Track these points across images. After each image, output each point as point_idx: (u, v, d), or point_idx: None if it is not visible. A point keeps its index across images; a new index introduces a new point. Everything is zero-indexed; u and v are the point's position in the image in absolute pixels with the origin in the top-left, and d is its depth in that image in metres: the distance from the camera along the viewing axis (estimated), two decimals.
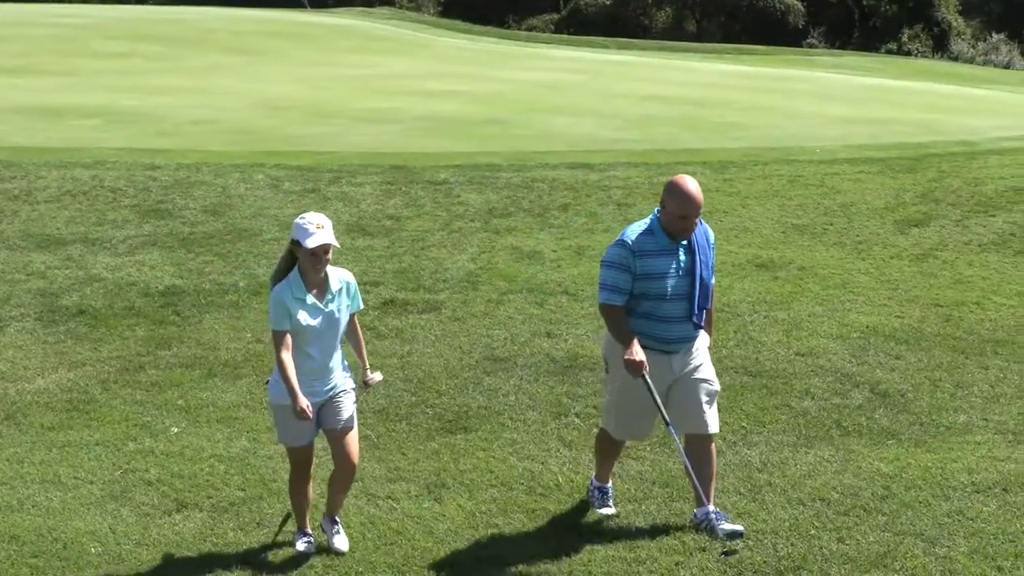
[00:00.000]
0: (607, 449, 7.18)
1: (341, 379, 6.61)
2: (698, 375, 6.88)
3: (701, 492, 6.73)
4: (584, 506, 7.08)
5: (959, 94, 29.06)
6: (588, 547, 6.57)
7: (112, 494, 7.19)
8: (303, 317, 6.36)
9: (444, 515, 6.93)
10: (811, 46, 56.60)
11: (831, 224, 13.79)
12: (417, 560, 6.40)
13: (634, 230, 6.82)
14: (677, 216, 6.67)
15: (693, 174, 15.80)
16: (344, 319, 6.54)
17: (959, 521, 6.85)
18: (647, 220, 6.87)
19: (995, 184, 15.53)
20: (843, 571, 6.30)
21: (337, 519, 6.70)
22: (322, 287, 6.45)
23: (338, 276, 6.54)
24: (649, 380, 6.60)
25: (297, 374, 6.33)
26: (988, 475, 7.47)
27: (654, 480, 7.46)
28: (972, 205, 14.58)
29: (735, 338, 10.11)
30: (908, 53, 55.81)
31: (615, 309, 6.74)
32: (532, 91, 25.70)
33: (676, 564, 6.40)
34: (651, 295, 6.73)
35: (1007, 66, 53.48)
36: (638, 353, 6.56)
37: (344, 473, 6.60)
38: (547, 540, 6.66)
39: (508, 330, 10.21)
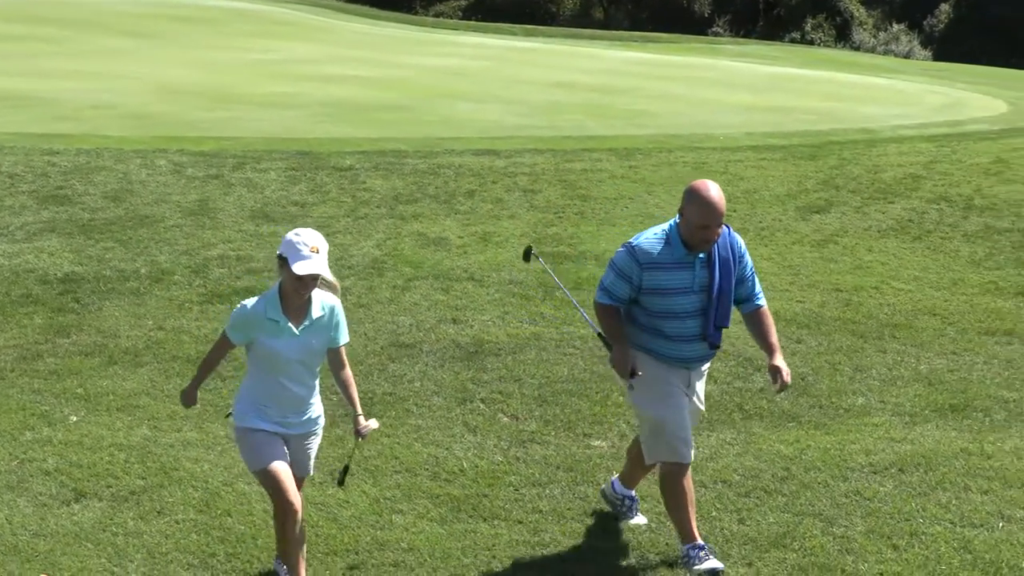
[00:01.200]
0: (681, 488, 6.25)
1: (314, 417, 6.01)
2: (697, 404, 6.48)
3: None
4: (488, 490, 7.09)
5: (860, 83, 29.48)
6: (492, 531, 6.59)
7: (8, 484, 7.06)
8: (273, 341, 5.73)
9: (348, 501, 6.90)
10: (716, 35, 57.08)
11: (734, 210, 13.92)
12: (321, 546, 6.37)
13: (648, 238, 6.21)
14: (697, 226, 6.04)
15: (598, 161, 16.10)
16: (321, 350, 5.88)
17: (856, 501, 6.98)
18: (665, 227, 6.24)
19: (894, 171, 15.80)
20: (743, 552, 6.39)
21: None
22: (301, 311, 5.78)
23: (322, 301, 5.85)
24: (634, 381, 6.19)
25: (270, 403, 5.82)
26: (885, 456, 7.62)
27: (558, 464, 7.49)
28: (872, 192, 14.81)
29: None
30: (811, 42, 56.49)
31: (607, 308, 6.27)
32: (438, 77, 25.62)
33: (577, 547, 6.44)
34: (658, 311, 6.19)
35: (907, 56, 54.38)
36: (628, 354, 6.16)
37: (285, 516, 5.89)
38: (451, 525, 6.67)
39: (414, 316, 10.19)
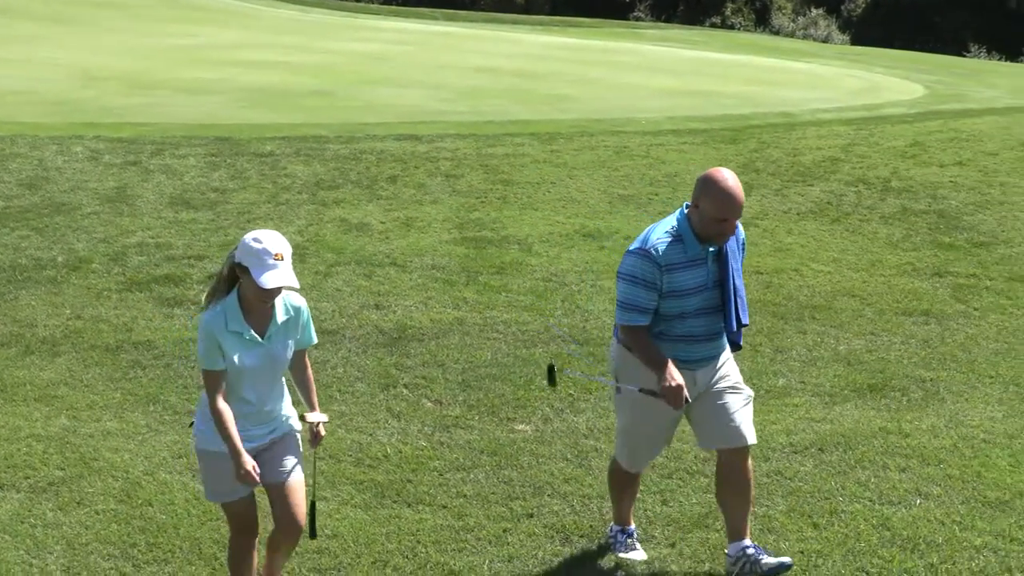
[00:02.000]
0: (624, 483, 6.20)
1: (283, 420, 5.48)
2: (725, 383, 5.93)
3: (736, 523, 5.95)
4: (412, 475, 7.08)
5: (779, 67, 29.72)
6: (417, 517, 6.58)
7: None
8: (238, 357, 5.16)
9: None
10: (637, 19, 57.30)
11: (656, 194, 14.00)
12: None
13: (659, 237, 5.65)
14: (714, 219, 5.54)
15: (520, 146, 16.11)
16: (288, 356, 5.36)
17: (777, 481, 7.05)
18: (672, 221, 5.72)
19: (812, 155, 15.96)
20: (666, 532, 6.43)
21: None
22: (264, 317, 5.24)
23: (286, 303, 5.33)
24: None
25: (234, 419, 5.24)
26: (805, 436, 7.70)
27: (482, 449, 7.50)
28: (791, 175, 14.95)
29: (563, 307, 10.21)
30: (731, 27, 56.89)
31: (641, 331, 5.69)
32: (359, 62, 25.48)
33: (504, 531, 6.45)
34: (669, 314, 5.73)
35: (825, 40, 54.89)
36: (676, 377, 5.58)
37: (288, 535, 5.50)
38: (375, 511, 6.65)
39: (336, 302, 10.13)
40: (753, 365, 9.06)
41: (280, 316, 5.28)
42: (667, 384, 5.55)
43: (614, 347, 6.04)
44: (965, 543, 6.33)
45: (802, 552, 6.21)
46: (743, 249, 5.98)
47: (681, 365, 5.71)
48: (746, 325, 5.92)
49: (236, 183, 13.71)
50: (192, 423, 5.53)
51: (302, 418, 5.53)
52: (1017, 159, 15.57)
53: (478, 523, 6.54)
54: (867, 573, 6.03)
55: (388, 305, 10.11)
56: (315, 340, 5.53)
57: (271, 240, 5.09)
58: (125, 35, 29.28)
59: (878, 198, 14.01)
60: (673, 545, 6.31)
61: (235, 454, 5.14)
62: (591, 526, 6.49)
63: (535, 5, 63.11)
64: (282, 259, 5.06)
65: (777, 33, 56.32)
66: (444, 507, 6.70)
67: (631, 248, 5.71)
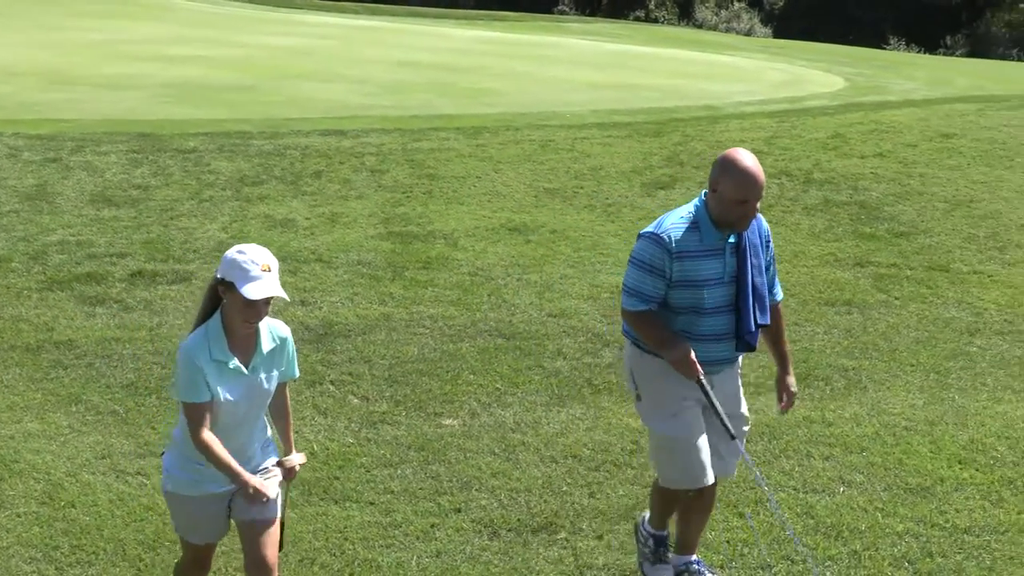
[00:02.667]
0: (669, 499, 5.80)
1: (260, 457, 5.10)
2: (733, 409, 5.62)
3: (689, 537, 5.86)
4: (339, 472, 7.05)
5: (703, 60, 29.93)
6: (344, 514, 6.55)
7: None
8: (220, 387, 4.78)
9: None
10: (562, 13, 57.43)
11: (581, 187, 14.04)
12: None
13: (674, 223, 5.35)
14: (733, 200, 5.23)
15: (446, 140, 16.10)
16: (272, 388, 4.99)
17: None
18: (690, 208, 5.41)
19: (736, 147, 16.06)
20: (594, 525, 6.46)
21: None
22: (249, 345, 4.87)
23: (272, 331, 4.97)
24: (706, 382, 5.35)
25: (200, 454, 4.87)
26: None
27: (409, 445, 7.48)
28: None
29: (489, 301, 10.21)
30: (655, 20, 57.26)
31: (642, 316, 5.40)
32: (282, 56, 25.31)
33: (432, 526, 6.45)
34: (684, 306, 5.39)
35: (748, 33, 55.40)
36: (687, 349, 5.28)
37: (258, 574, 5.05)
38: (302, 508, 6.61)
39: None
40: None
41: (265, 345, 4.91)
42: (675, 355, 5.27)
43: (628, 348, 5.71)
44: (887, 529, 6.42)
45: (728, 542, 6.27)
46: (768, 246, 5.61)
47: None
48: (765, 325, 5.56)
49: (159, 180, 13.56)
50: (163, 452, 5.17)
51: (280, 463, 5.16)
52: (935, 150, 15.80)
53: (405, 519, 6.53)
54: (792, 561, 6.09)
55: (314, 301, 10.05)
56: (297, 374, 5.16)
57: (256, 252, 4.77)
58: (43, 30, 28.86)
59: (800, 190, 14.15)
60: (600, 537, 6.34)
61: (236, 478, 4.80)
62: (519, 520, 6.50)
63: None
64: (268, 270, 4.73)
65: (700, 26, 56.73)
66: (371, 503, 6.68)
67: (643, 231, 5.42)
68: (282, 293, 4.75)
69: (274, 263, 4.78)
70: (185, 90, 19.64)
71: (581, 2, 62.67)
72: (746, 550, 6.19)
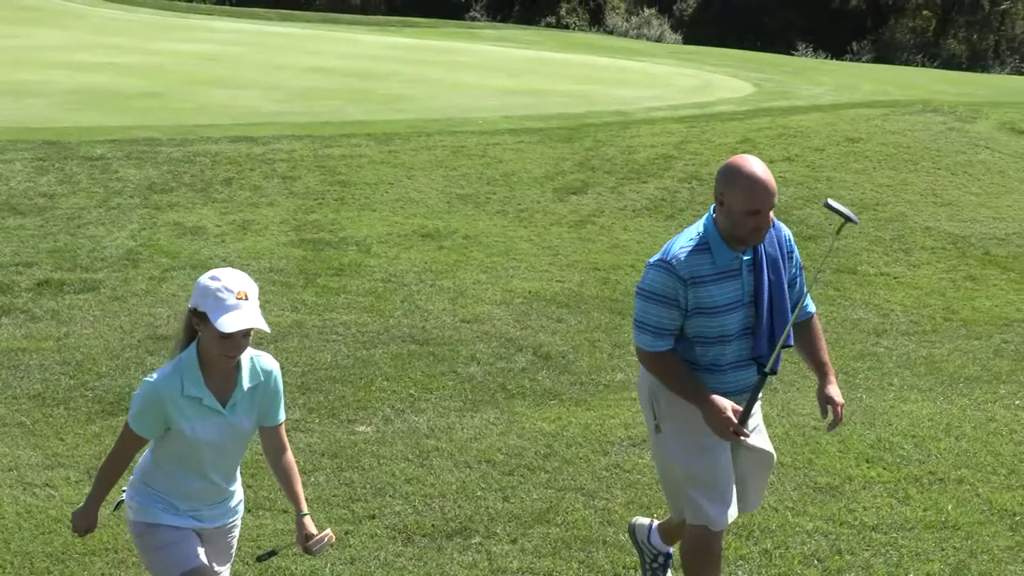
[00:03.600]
0: (708, 554, 5.16)
1: (234, 504, 4.73)
2: (759, 440, 5.21)
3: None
4: (252, 480, 6.99)
5: (614, 66, 30.11)
6: (257, 523, 6.50)
7: None
8: (194, 427, 4.37)
9: (106, 500, 6.68)
10: (474, 19, 57.50)
11: (494, 193, 14.07)
12: (78, 548, 6.17)
13: (682, 246, 4.88)
14: (744, 212, 4.79)
15: (358, 146, 16.04)
16: (253, 430, 4.57)
17: (616, 474, 7.15)
18: (697, 228, 4.95)
19: (647, 152, 16.20)
20: (508, 529, 6.48)
21: None
22: (228, 381, 4.44)
23: (255, 364, 4.53)
24: (746, 427, 4.89)
25: (180, 498, 4.52)
26: (643, 429, 7.80)
27: (323, 452, 7.45)
28: (626, 173, 15.16)
29: (402, 308, 10.19)
30: (566, 27, 57.47)
31: (661, 356, 4.92)
32: (191, 63, 25.05)
33: (346, 533, 6.42)
34: (701, 336, 4.93)
35: (658, 39, 55.80)
36: (724, 407, 4.81)
37: None
38: None
39: (171, 308, 9.96)
40: (592, 360, 9.18)
41: (246, 381, 4.46)
42: (713, 415, 4.80)
43: (644, 375, 5.20)
44: (797, 528, 6.51)
45: None
46: (791, 256, 5.15)
47: (721, 390, 4.96)
48: (789, 346, 5.07)
49: (65, 188, 13.36)
50: (120, 501, 4.75)
51: (305, 549, 4.63)
52: (842, 154, 16.03)
53: (320, 527, 6.48)
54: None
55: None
56: (283, 418, 4.66)
57: (231, 278, 4.32)
58: None
59: (710, 194, 14.25)
60: (515, 541, 6.36)
61: (94, 500, 4.57)
62: (433, 525, 6.50)
63: (371, 5, 62.94)
64: (245, 298, 4.28)
65: (611, 33, 57.08)
66: (284, 511, 6.63)
67: (651, 261, 4.94)
68: (262, 324, 4.28)
69: (252, 289, 4.34)
70: (92, 97, 19.37)
71: (493, 8, 62.77)
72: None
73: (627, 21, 61.96)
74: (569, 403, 8.36)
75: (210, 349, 4.34)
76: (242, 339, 4.31)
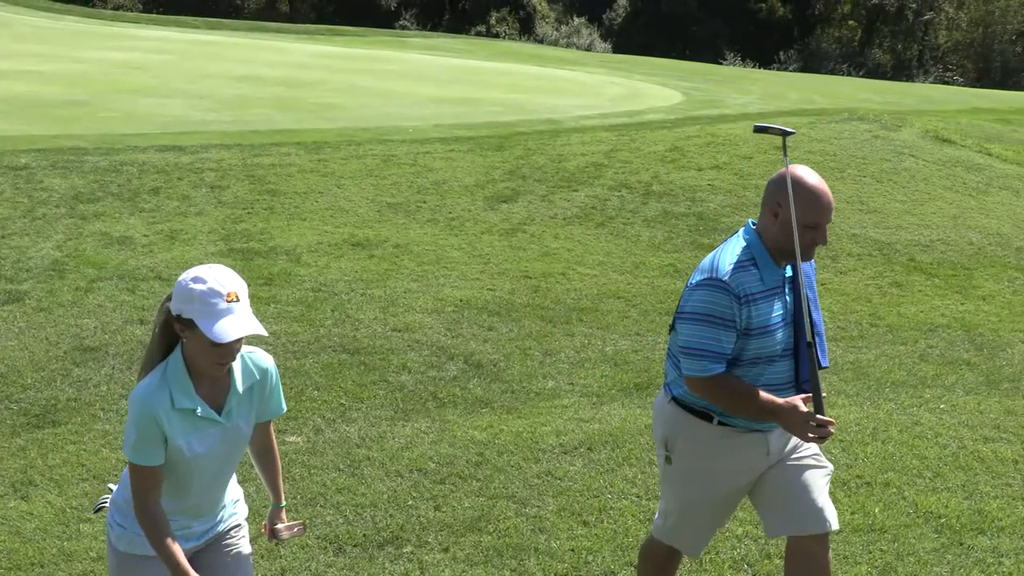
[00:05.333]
0: (661, 564, 5.16)
1: (231, 508, 4.34)
2: (805, 452, 4.84)
3: None
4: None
5: (545, 75, 30.21)
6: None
7: None
8: (190, 443, 3.94)
9: (32, 513, 6.61)
10: (403, 28, 57.44)
11: (424, 202, 14.06)
12: (3, 562, 6.08)
13: (732, 263, 4.55)
14: (805, 226, 4.54)
15: (287, 155, 15.95)
16: (250, 432, 4.18)
17: (548, 481, 7.16)
18: (740, 243, 4.67)
19: (577, 160, 16.27)
20: (440, 537, 6.46)
21: None
22: (221, 386, 4.02)
23: (248, 363, 4.13)
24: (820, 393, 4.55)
25: (171, 516, 4.02)
26: (574, 436, 7.84)
27: (252, 462, 7.37)
28: (556, 181, 15.22)
29: (333, 317, 10.15)
30: (496, 35, 57.58)
31: (718, 380, 4.52)
32: (117, 71, 24.81)
33: (276, 544, 6.36)
34: (762, 358, 4.60)
35: (588, 48, 56.09)
36: (799, 405, 4.47)
37: None
38: None
39: (98, 318, 9.84)
40: (523, 368, 9.19)
41: (240, 383, 4.05)
42: (789, 417, 4.45)
43: (663, 407, 4.88)
44: (727, 533, 6.54)
45: (573, 550, 6.32)
46: (814, 272, 4.92)
47: (750, 425, 4.70)
48: (824, 367, 4.78)
49: None
50: (99, 507, 4.39)
51: (274, 532, 4.48)
52: (770, 162, 16.19)
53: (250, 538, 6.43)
54: (635, 567, 6.16)
55: (153, 320, 9.85)
56: (284, 408, 4.30)
57: (218, 277, 3.84)
58: None
59: (640, 202, 14.38)
60: (447, 550, 6.34)
61: (176, 569, 3.88)
62: (364, 535, 6.47)
63: (300, 13, 62.68)
64: (237, 299, 3.82)
65: (541, 42, 57.26)
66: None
67: (696, 280, 4.59)
68: (260, 329, 3.83)
69: (242, 288, 3.89)
70: (16, 105, 19.12)
71: (423, 17, 62.75)
72: (591, 557, 6.25)
73: (557, 30, 62.22)
74: (500, 411, 8.37)
75: (199, 357, 3.89)
76: (237, 344, 3.88)
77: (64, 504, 6.72)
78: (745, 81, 32.78)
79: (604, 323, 10.39)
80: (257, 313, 10.26)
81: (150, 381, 3.93)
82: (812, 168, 4.73)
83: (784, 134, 4.90)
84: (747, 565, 6.23)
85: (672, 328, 4.73)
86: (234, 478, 4.35)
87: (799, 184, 4.54)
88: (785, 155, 4.83)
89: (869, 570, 6.19)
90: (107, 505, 4.30)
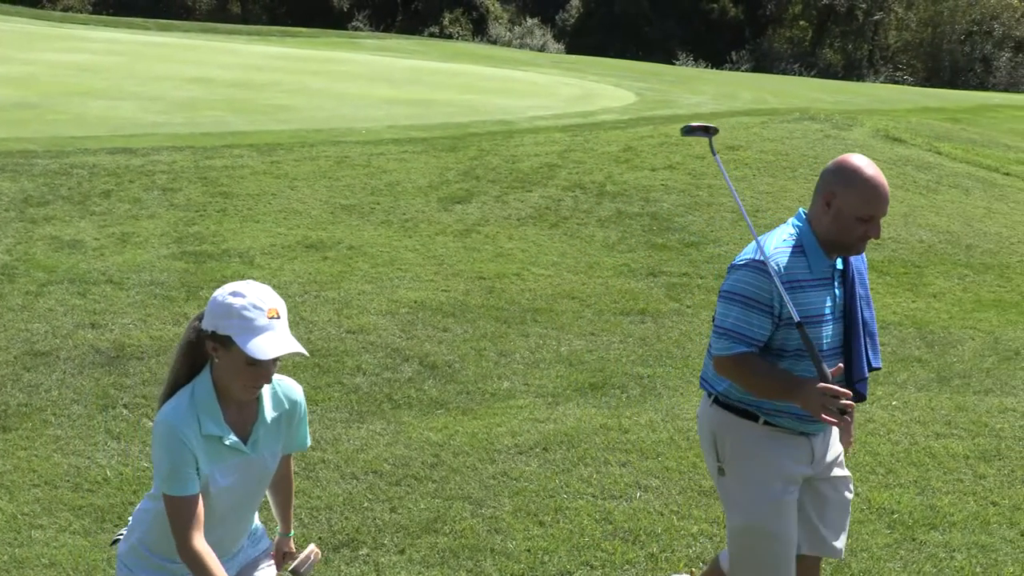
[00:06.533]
0: None
1: (251, 548, 4.14)
2: (840, 473, 4.77)
3: None
4: (134, 497, 6.87)
5: (498, 76, 30.22)
6: None
7: None
8: (214, 470, 3.70)
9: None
10: (356, 29, 57.32)
11: (378, 203, 14.02)
12: None
13: (779, 247, 4.43)
14: (855, 218, 4.36)
15: (240, 157, 15.86)
16: (275, 466, 3.94)
17: (504, 482, 7.16)
18: (790, 229, 4.54)
19: (531, 161, 16.28)
20: (396, 539, 6.45)
21: None
22: (248, 414, 3.79)
23: (278, 392, 3.89)
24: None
25: (173, 551, 3.74)
26: (530, 436, 7.85)
27: None
28: (510, 182, 15.22)
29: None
30: (449, 36, 57.58)
31: (743, 359, 4.36)
32: (68, 74, 24.60)
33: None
34: (793, 350, 4.41)
35: (541, 49, 56.20)
36: (814, 384, 4.21)
37: None
38: (95, 536, 6.43)
39: (49, 323, 9.75)
40: (478, 369, 9.19)
41: (269, 411, 3.82)
42: (809, 397, 4.19)
43: (706, 412, 4.73)
44: (683, 531, 6.57)
45: (529, 550, 6.32)
46: (866, 270, 4.71)
47: (794, 425, 4.53)
48: (877, 368, 4.63)
49: None
50: (116, 540, 4.08)
51: (294, 569, 4.28)
52: (723, 162, 16.27)
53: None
54: (591, 566, 6.19)
55: (105, 324, 9.79)
56: (308, 443, 4.06)
57: (258, 293, 3.64)
58: None
59: (594, 202, 14.41)
60: (403, 552, 6.33)
61: None
62: (320, 537, 6.44)
63: (252, 15, 62.41)
64: (277, 316, 3.62)
65: (494, 43, 57.32)
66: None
67: (738, 261, 4.47)
68: (300, 348, 3.63)
69: (282, 306, 3.68)
70: None
71: (375, 18, 62.65)
72: (546, 558, 6.26)
73: (510, 31, 62.32)
74: (456, 412, 8.36)
75: (230, 379, 3.65)
76: (272, 366, 3.65)
77: (15, 510, 6.66)
78: (698, 81, 32.93)
79: (559, 323, 10.40)
80: None
81: (177, 404, 3.67)
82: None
83: (708, 134, 4.80)
84: (703, 563, 6.26)
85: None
86: (256, 522, 4.17)
87: (855, 174, 4.37)
88: (714, 153, 4.85)
89: (823, 566, 6.22)
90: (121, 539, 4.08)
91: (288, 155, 15.96)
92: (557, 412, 8.36)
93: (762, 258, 4.35)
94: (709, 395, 4.70)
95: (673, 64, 51.73)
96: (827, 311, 4.44)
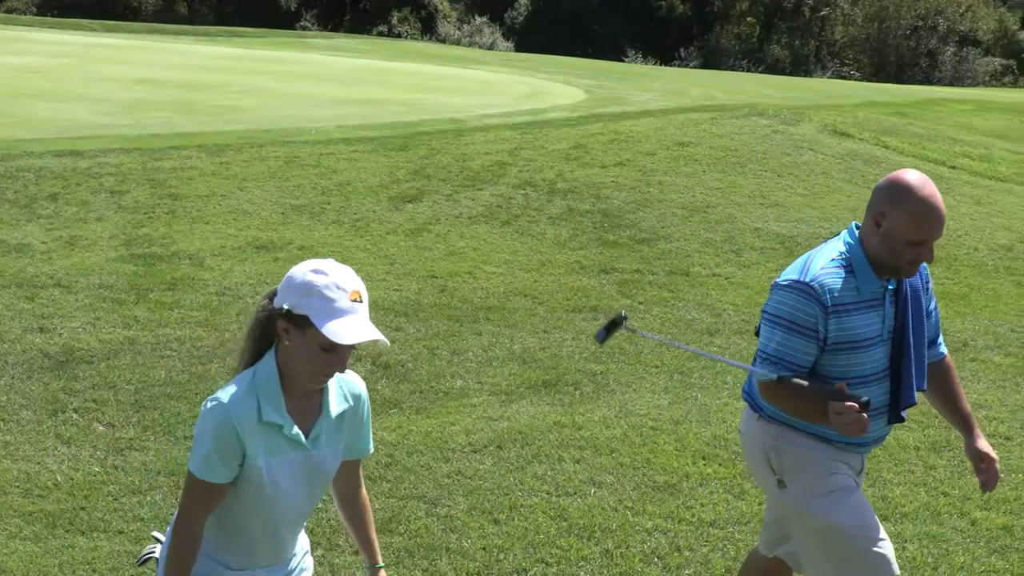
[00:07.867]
0: None
1: (300, 555, 3.78)
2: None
3: None
4: (85, 502, 6.81)
5: (448, 74, 30.19)
6: (92, 544, 6.33)
7: None
8: (270, 463, 3.40)
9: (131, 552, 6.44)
10: (304, 29, 57.09)
11: (329, 203, 13.97)
12: None
13: (824, 267, 4.15)
14: (906, 241, 4.09)
15: (188, 158, 15.77)
16: (335, 468, 3.59)
17: (458, 480, 7.16)
18: (839, 247, 4.24)
19: (481, 159, 16.28)
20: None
21: None
22: (311, 406, 3.48)
23: (342, 387, 3.60)
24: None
25: (234, 554, 3.52)
26: (484, 434, 7.85)
27: (159, 470, 7.29)
28: (461, 180, 15.21)
29: (238, 321, 10.04)
30: (398, 35, 57.49)
31: (786, 384, 4.12)
32: (13, 75, 24.35)
33: None
34: (840, 375, 4.18)
35: (490, 47, 56.20)
36: (852, 408, 3.93)
37: None
38: (47, 542, 6.36)
39: None
40: (431, 368, 9.18)
41: (334, 407, 3.51)
42: (841, 415, 3.94)
43: (753, 427, 4.52)
44: (637, 527, 6.59)
45: (484, 548, 6.32)
46: (927, 287, 4.47)
47: (851, 448, 4.37)
48: (923, 389, 4.42)
49: None
50: (145, 558, 3.91)
51: None
52: (672, 158, 16.34)
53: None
54: (547, 563, 6.20)
55: (53, 328, 9.70)
56: (371, 448, 3.77)
57: (340, 273, 3.32)
58: None
59: (545, 200, 14.43)
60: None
61: None
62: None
63: (199, 15, 62.02)
64: (360, 299, 3.31)
65: (444, 41, 57.27)
66: (120, 532, 6.48)
67: (782, 280, 4.23)
68: (381, 336, 3.32)
69: (364, 289, 3.37)
70: None
71: (323, 17, 62.43)
72: (502, 556, 6.26)
73: (459, 29, 62.30)
74: (409, 411, 8.34)
75: (300, 365, 3.35)
76: (347, 353, 3.36)
77: None
78: (647, 78, 33.04)
79: (511, 321, 10.41)
80: (160, 319, 10.18)
81: (236, 388, 3.36)
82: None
83: (620, 324, 4.14)
84: (657, 558, 6.28)
85: (758, 330, 4.34)
86: (304, 535, 3.84)
87: (910, 195, 4.07)
88: (636, 330, 4.35)
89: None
90: (155, 556, 3.82)
91: (237, 156, 15.87)
92: (511, 410, 8.37)
93: (808, 279, 4.13)
94: (754, 411, 4.51)
95: (622, 61, 51.90)
96: (874, 334, 4.20)
